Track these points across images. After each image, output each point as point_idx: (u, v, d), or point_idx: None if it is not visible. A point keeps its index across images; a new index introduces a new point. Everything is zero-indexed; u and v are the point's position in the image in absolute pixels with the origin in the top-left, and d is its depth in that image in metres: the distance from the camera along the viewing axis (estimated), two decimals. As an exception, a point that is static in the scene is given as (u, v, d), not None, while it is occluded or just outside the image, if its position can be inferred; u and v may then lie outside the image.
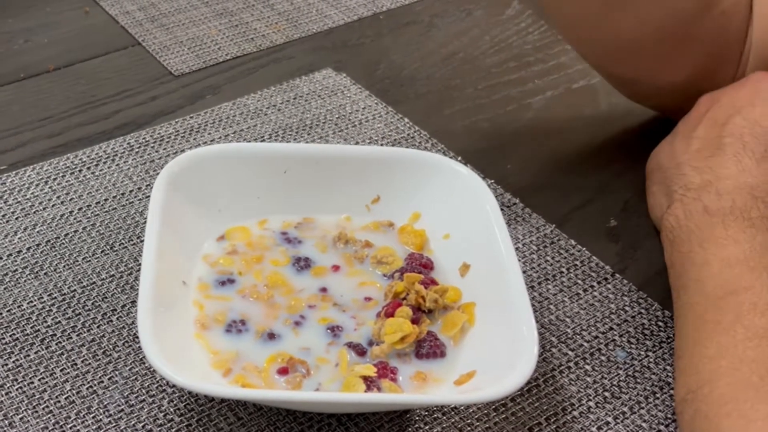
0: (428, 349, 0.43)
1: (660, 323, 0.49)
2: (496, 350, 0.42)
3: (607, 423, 0.44)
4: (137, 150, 0.59)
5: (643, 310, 0.50)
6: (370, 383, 0.41)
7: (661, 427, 0.44)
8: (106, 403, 0.43)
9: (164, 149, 0.59)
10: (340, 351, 0.43)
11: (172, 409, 0.43)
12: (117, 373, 0.45)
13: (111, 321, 0.47)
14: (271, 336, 0.44)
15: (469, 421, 0.44)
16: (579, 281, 0.52)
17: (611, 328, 0.49)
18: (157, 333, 0.39)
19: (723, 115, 0.51)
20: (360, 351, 0.43)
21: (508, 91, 0.67)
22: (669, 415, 0.45)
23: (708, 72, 0.56)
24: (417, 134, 0.62)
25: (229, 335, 0.44)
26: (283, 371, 0.42)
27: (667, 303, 0.50)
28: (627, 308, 0.50)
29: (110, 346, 0.46)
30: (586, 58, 0.60)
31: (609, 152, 0.61)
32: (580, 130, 0.63)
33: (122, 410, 0.43)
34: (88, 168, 0.57)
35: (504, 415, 0.44)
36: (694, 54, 0.55)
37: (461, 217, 0.48)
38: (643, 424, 0.44)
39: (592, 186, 0.58)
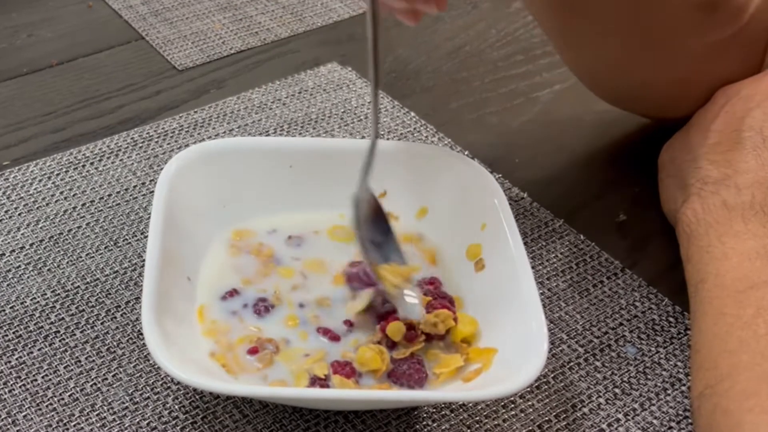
0: (403, 374, 0.41)
1: (671, 318, 0.49)
2: (505, 346, 0.41)
3: (618, 420, 0.43)
4: (141, 145, 0.58)
5: (653, 306, 0.49)
6: (316, 380, 0.41)
7: (673, 424, 0.43)
8: (110, 400, 0.43)
9: (168, 144, 0.58)
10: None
11: (177, 407, 0.43)
12: (121, 370, 0.44)
13: (115, 318, 0.47)
14: (267, 310, 0.44)
15: (477, 418, 0.43)
16: (588, 276, 0.51)
17: (621, 324, 0.48)
18: (161, 330, 0.39)
19: (741, 109, 0.51)
20: (333, 336, 0.43)
21: (516, 85, 0.66)
22: (681, 412, 0.44)
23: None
24: (423, 128, 0.61)
25: (225, 303, 0.44)
26: (253, 351, 0.42)
27: (677, 298, 0.49)
28: (637, 303, 0.49)
29: (114, 343, 0.46)
30: (602, 98, 0.59)
31: (618, 145, 0.60)
32: (589, 123, 0.62)
33: (126, 408, 0.43)
34: (92, 163, 0.57)
35: (513, 412, 0.43)
36: (709, 89, 0.54)
37: (469, 211, 0.47)
38: (654, 421, 0.43)
39: (601, 180, 0.58)
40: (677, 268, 0.49)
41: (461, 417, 0.43)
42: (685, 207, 0.49)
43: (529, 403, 0.44)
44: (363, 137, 0.60)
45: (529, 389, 0.44)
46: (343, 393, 0.40)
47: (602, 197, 0.56)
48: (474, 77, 0.67)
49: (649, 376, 0.46)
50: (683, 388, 0.45)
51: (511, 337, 0.41)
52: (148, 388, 0.43)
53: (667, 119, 0.57)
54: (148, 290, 0.40)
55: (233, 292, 0.45)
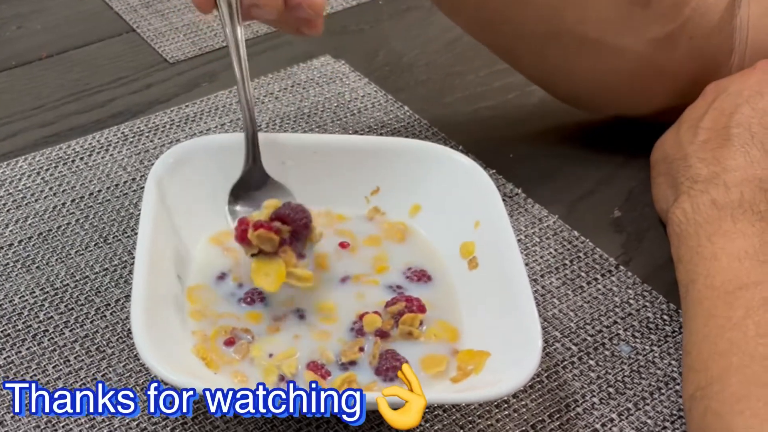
0: (390, 368, 0.41)
1: (665, 316, 0.48)
2: (498, 345, 0.41)
3: (612, 420, 0.43)
4: (131, 139, 0.58)
5: (648, 303, 0.49)
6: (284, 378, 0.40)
7: (667, 424, 0.43)
8: (99, 400, 0.42)
9: (159, 139, 0.58)
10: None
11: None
12: (111, 369, 0.44)
13: (105, 316, 0.46)
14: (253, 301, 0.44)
15: (470, 418, 0.43)
16: (582, 273, 0.50)
17: (615, 322, 0.48)
18: (150, 330, 0.38)
19: (730, 105, 0.50)
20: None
21: (511, 79, 0.65)
22: (675, 412, 0.44)
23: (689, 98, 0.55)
24: (417, 123, 0.61)
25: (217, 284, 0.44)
26: (229, 342, 0.42)
27: (672, 296, 0.49)
28: (631, 301, 0.49)
29: (104, 342, 0.45)
30: (563, 101, 0.59)
31: (613, 141, 0.59)
32: (584, 119, 0.61)
33: (116, 408, 0.42)
34: (81, 158, 0.56)
35: (506, 412, 0.43)
36: (667, 84, 0.54)
37: (463, 209, 0.47)
38: (649, 421, 0.43)
39: (596, 176, 0.57)
40: (672, 265, 0.48)
41: (454, 417, 0.43)
42: (675, 207, 0.48)
43: (523, 402, 0.44)
44: (356, 132, 0.59)
45: (522, 389, 0.44)
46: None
47: (597, 193, 0.56)
48: (469, 71, 0.66)
49: (643, 375, 0.45)
50: (677, 387, 0.45)
51: (505, 336, 0.41)
52: (138, 388, 0.43)
53: (637, 117, 0.57)
54: (137, 290, 0.40)
55: (224, 276, 0.45)
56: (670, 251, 0.49)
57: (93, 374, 0.43)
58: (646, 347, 0.47)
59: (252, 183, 0.47)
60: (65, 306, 0.47)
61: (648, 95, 0.55)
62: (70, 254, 0.50)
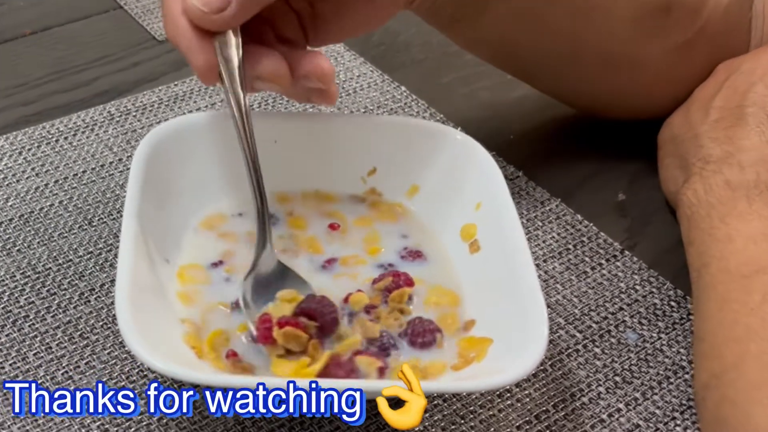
0: (387, 346, 0.39)
1: (673, 303, 0.47)
2: (502, 332, 0.39)
3: (619, 410, 0.41)
4: (118, 119, 0.56)
5: (654, 289, 0.47)
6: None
7: (676, 414, 0.41)
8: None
9: (147, 118, 0.56)
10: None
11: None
12: (95, 357, 0.42)
13: (89, 301, 0.44)
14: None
15: (471, 408, 0.41)
16: (586, 258, 0.49)
17: (621, 309, 0.46)
18: (136, 315, 0.36)
19: (744, 83, 0.49)
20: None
21: (510, 58, 0.63)
22: (684, 401, 0.42)
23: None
24: (414, 103, 0.59)
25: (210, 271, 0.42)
26: (231, 355, 0.39)
27: (679, 281, 0.47)
28: (638, 287, 0.47)
29: (87, 329, 0.43)
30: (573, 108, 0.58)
31: (617, 122, 0.57)
32: (586, 99, 0.60)
33: (100, 397, 0.40)
34: (66, 138, 0.54)
35: (509, 402, 0.41)
36: (679, 91, 0.53)
37: (463, 189, 0.45)
38: (657, 411, 0.41)
39: (600, 158, 0.55)
40: (679, 249, 0.46)
41: (455, 407, 0.41)
42: (686, 188, 0.47)
43: (526, 392, 0.42)
44: (351, 112, 0.58)
45: (525, 377, 0.42)
46: (340, 383, 0.37)
47: (601, 175, 0.54)
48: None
49: (651, 364, 0.44)
50: (686, 376, 0.43)
51: (509, 322, 0.39)
52: (123, 376, 0.41)
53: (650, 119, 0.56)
54: (122, 273, 0.38)
55: (219, 263, 0.43)
56: (677, 235, 0.47)
57: (76, 362, 0.41)
58: (654, 335, 0.45)
59: (264, 270, 0.42)
60: (47, 291, 0.45)
61: (665, 100, 0.53)
62: (52, 237, 0.47)
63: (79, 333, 0.43)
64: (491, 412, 0.41)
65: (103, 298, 0.44)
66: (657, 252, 0.49)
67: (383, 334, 0.40)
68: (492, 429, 0.40)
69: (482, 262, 0.43)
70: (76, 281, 0.45)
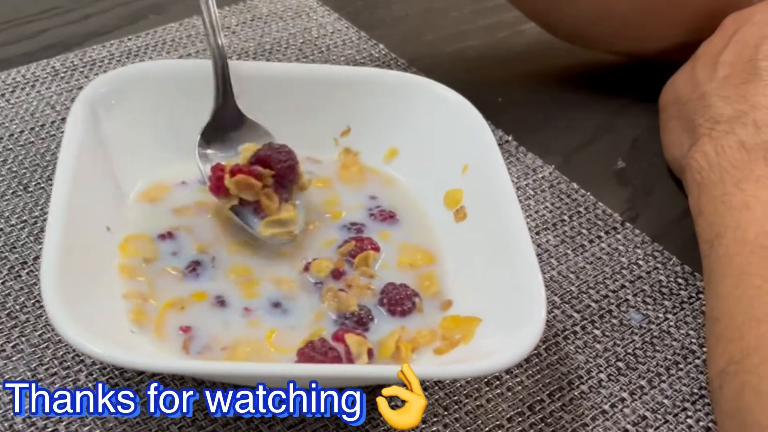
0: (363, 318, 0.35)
1: (680, 280, 0.42)
2: (491, 311, 0.34)
3: (623, 399, 0.37)
4: (63, 75, 0.50)
5: (659, 265, 0.43)
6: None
7: (687, 405, 0.37)
8: (8, 376, 0.35)
9: (95, 75, 0.50)
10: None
11: (90, 384, 0.35)
12: (24, 339, 0.36)
13: (19, 276, 0.39)
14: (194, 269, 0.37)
15: (456, 397, 0.36)
16: (584, 231, 0.44)
17: (623, 286, 0.41)
18: (65, 291, 0.31)
19: (755, 36, 0.44)
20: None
21: (500, 16, 0.59)
22: (696, 390, 0.37)
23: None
24: (394, 62, 0.54)
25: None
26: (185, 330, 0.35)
27: (686, 256, 0.43)
28: (640, 262, 0.43)
29: (17, 307, 0.38)
30: (561, 38, 0.53)
31: (615, 83, 0.54)
32: (582, 59, 0.55)
33: (28, 385, 0.35)
34: (3, 95, 0.48)
35: (499, 391, 0.36)
36: (674, 21, 0.49)
37: (448, 150, 0.40)
38: (665, 401, 0.37)
39: (597, 122, 0.51)
40: (686, 220, 0.42)
41: (437, 396, 0.36)
42: (694, 151, 0.42)
43: (518, 379, 0.37)
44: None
45: (518, 363, 0.37)
46: (287, 368, 0.33)
47: (598, 141, 0.50)
48: (451, 6, 0.60)
49: (657, 348, 0.39)
50: (697, 361, 0.38)
51: (500, 300, 0.34)
52: (55, 362, 0.36)
53: (640, 55, 0.52)
54: (50, 243, 0.32)
55: (167, 235, 0.38)
56: (683, 205, 0.43)
57: (2, 345, 0.36)
58: (660, 315, 0.40)
59: (225, 124, 0.40)
60: (-27, 264, 0.39)
61: (659, 29, 0.49)
62: (-18, 204, 0.42)
63: (6, 312, 0.37)
64: (478, 402, 0.36)
65: (36, 273, 0.39)
66: (661, 223, 0.45)
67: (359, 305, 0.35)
68: (479, 421, 0.35)
69: (469, 231, 0.38)
70: (6, 253, 0.40)
